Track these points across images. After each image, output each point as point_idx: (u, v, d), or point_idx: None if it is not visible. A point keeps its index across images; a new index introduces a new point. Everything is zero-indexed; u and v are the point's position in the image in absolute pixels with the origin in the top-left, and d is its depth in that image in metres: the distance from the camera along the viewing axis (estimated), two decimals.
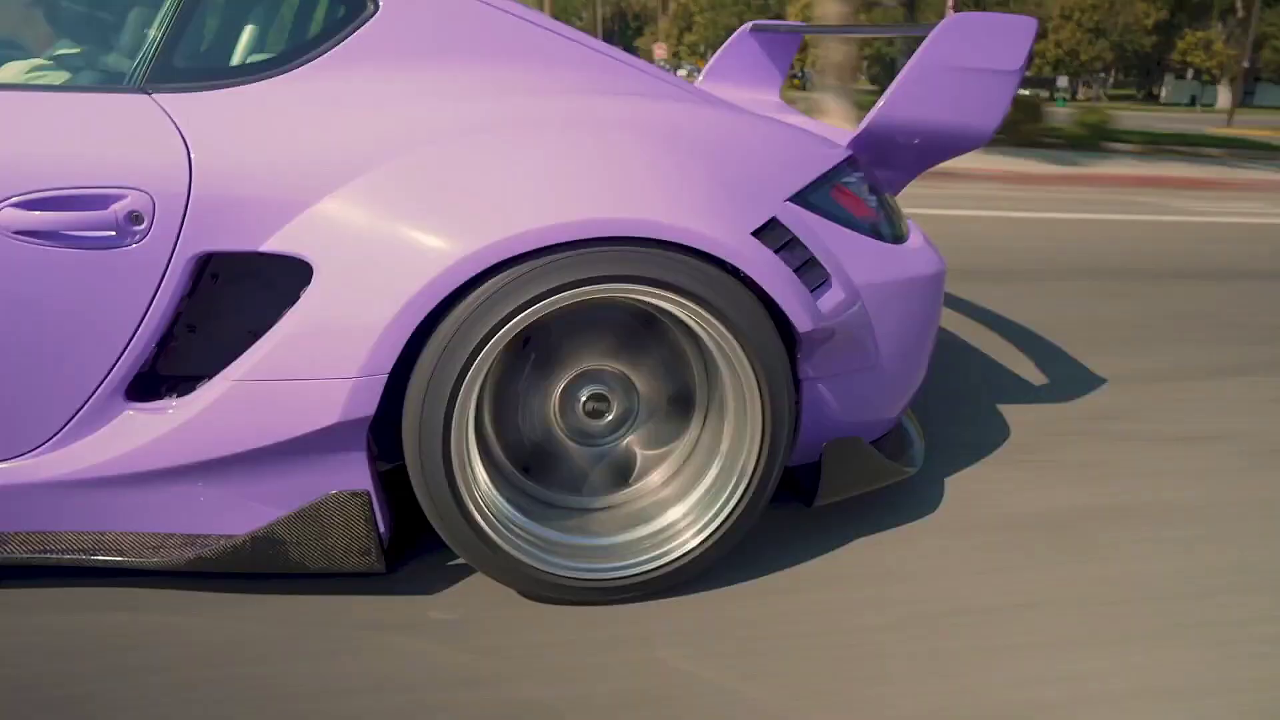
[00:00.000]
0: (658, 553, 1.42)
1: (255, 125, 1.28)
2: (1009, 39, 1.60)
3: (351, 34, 1.36)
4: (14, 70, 1.38)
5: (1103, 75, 43.31)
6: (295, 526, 1.33)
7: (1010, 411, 2.36)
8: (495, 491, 1.43)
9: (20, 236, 1.19)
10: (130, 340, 1.27)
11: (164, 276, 1.25)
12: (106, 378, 1.29)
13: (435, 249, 1.22)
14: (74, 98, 1.27)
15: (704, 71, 2.62)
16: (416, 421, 1.27)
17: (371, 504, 1.33)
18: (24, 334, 1.24)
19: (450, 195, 1.26)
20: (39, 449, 1.31)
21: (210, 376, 1.32)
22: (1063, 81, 33.31)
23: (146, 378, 1.35)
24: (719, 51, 2.59)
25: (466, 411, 1.30)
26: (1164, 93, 43.47)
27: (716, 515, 1.42)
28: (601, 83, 1.48)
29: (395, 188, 1.27)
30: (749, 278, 1.33)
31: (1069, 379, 2.66)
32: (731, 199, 1.36)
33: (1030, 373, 2.70)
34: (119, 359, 1.28)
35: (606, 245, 1.26)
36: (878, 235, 1.56)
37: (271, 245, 1.26)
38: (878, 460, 1.60)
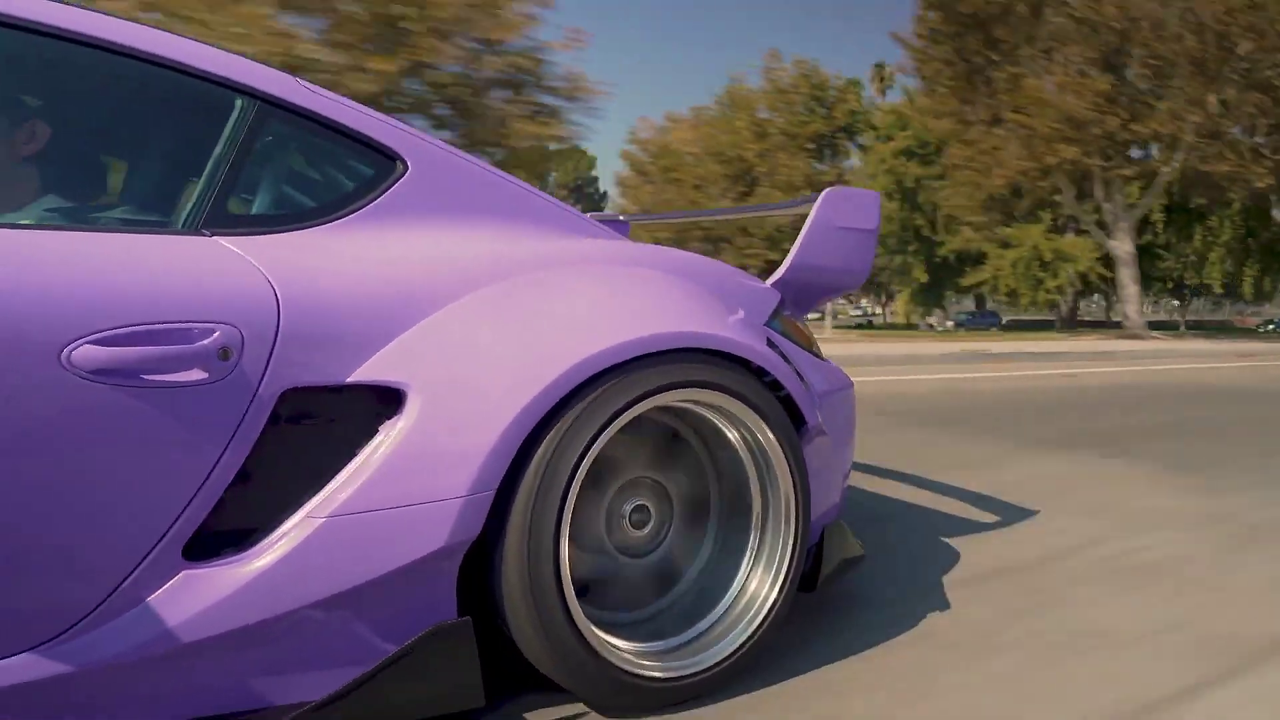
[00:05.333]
0: (748, 618, 1.53)
1: (329, 265, 1.30)
2: (866, 206, 2.09)
3: (391, 188, 1.45)
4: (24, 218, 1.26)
5: None
6: (392, 673, 1.24)
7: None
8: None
9: (95, 377, 1.09)
10: (200, 487, 1.17)
11: (246, 414, 1.19)
12: (168, 533, 1.15)
13: (546, 361, 1.31)
14: (125, 238, 1.21)
15: None
16: (524, 532, 1.29)
17: (472, 632, 1.29)
18: (77, 491, 1.09)
19: (545, 317, 1.37)
20: (77, 626, 1.11)
21: (261, 525, 1.23)
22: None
23: (201, 532, 1.22)
24: None
25: (569, 521, 1.34)
26: None
27: (782, 561, 1.58)
28: (595, 234, 1.69)
29: (486, 315, 1.35)
30: (775, 380, 1.56)
31: None
32: (742, 320, 1.61)
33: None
34: (184, 510, 1.16)
35: (678, 356, 1.43)
36: (814, 354, 1.88)
37: (361, 376, 1.26)
38: (850, 539, 1.85)
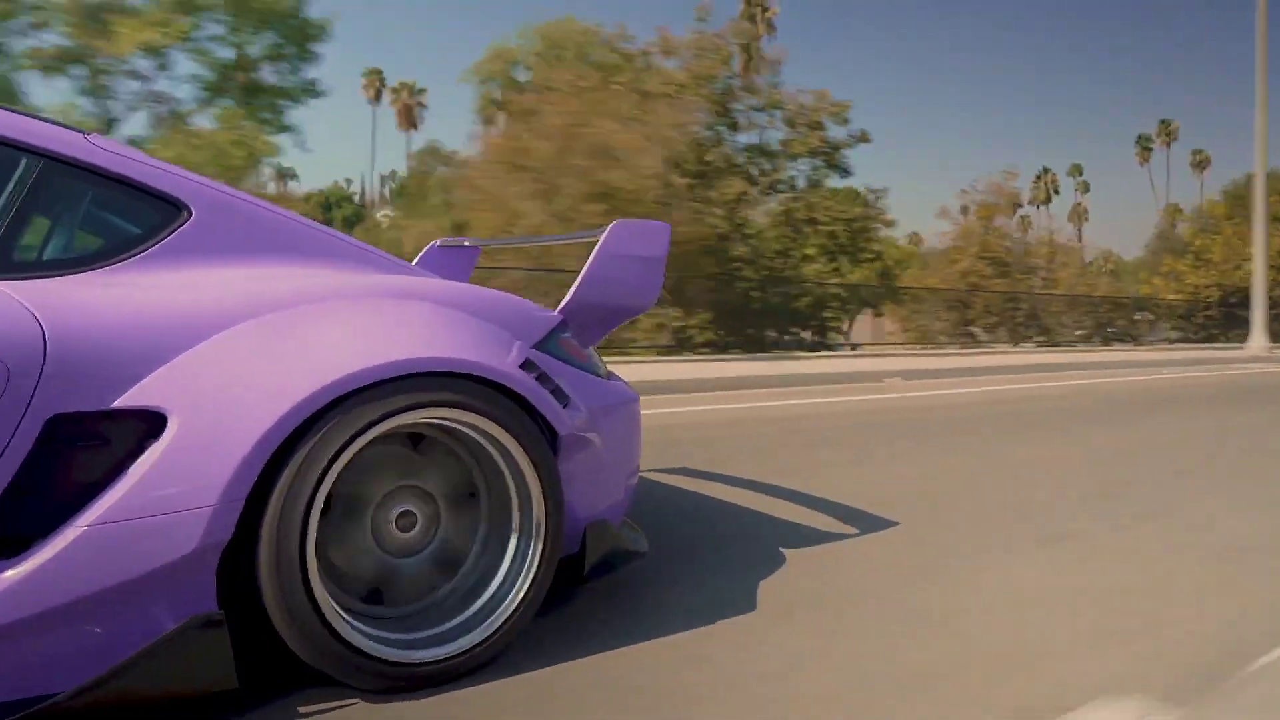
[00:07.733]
0: (498, 611, 1.74)
1: (101, 305, 1.49)
2: (655, 236, 2.33)
3: (174, 233, 1.65)
4: None
5: None
6: (154, 660, 1.42)
7: None
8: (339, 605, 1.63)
9: None
10: None
11: (12, 439, 1.37)
12: None
13: (292, 386, 1.51)
14: None
15: None
16: (274, 533, 1.49)
17: (224, 623, 1.48)
18: None
19: (298, 347, 1.57)
20: None
21: (31, 534, 1.41)
22: None
23: None
24: (415, 261, 3.10)
25: (315, 526, 1.54)
26: None
27: (530, 566, 1.79)
28: (375, 268, 1.90)
29: (244, 346, 1.55)
30: (522, 398, 1.78)
31: None
32: (501, 344, 1.83)
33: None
34: None
35: (422, 379, 1.65)
36: (593, 374, 2.11)
37: (125, 402, 1.45)
38: (622, 536, 2.08)
